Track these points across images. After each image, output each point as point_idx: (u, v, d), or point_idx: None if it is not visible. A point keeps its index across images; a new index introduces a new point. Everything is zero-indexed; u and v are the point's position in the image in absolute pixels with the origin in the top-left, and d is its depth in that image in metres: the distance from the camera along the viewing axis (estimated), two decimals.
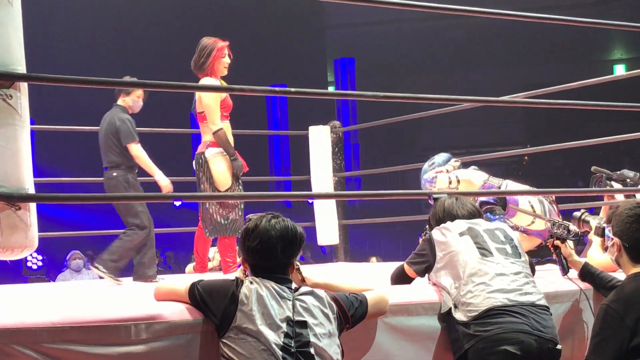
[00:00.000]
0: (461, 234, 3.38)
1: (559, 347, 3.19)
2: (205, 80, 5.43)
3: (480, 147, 16.66)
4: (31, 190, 2.82)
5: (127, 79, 5.53)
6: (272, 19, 16.21)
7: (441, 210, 3.60)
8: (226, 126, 5.50)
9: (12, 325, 2.62)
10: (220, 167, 5.42)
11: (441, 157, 5.30)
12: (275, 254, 2.85)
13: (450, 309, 3.24)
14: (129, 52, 15.39)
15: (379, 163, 16.69)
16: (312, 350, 2.72)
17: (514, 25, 15.26)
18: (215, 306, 2.77)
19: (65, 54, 14.42)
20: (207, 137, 5.50)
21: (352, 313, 2.95)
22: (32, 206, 2.82)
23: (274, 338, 2.68)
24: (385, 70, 18.46)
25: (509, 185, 4.94)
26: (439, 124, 16.52)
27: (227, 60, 5.57)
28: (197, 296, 2.82)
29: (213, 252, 6.97)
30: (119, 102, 5.75)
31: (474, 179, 5.02)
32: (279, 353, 2.67)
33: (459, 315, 3.20)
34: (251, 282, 2.79)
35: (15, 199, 2.73)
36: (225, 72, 5.56)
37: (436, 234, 3.45)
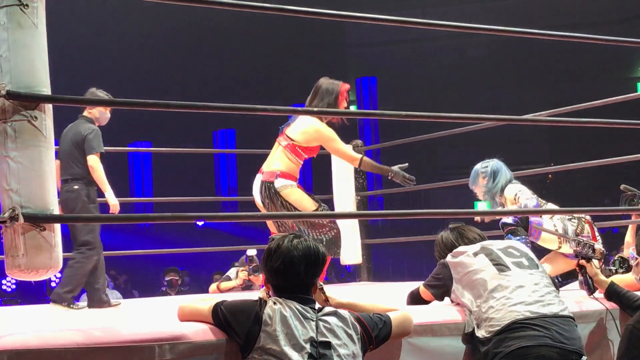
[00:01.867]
0: (475, 254, 3.36)
1: (584, 358, 3.13)
2: (313, 121, 5.05)
3: (505, 165, 16.59)
4: (56, 211, 2.83)
5: (92, 90, 5.44)
6: (293, 37, 16.28)
7: (443, 249, 3.57)
8: (295, 165, 5.11)
9: (37, 346, 2.62)
10: (296, 196, 5.01)
11: (503, 173, 5.17)
12: (298, 274, 2.84)
13: (474, 328, 3.21)
14: (146, 70, 15.48)
15: None
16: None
17: (536, 43, 15.24)
18: (239, 327, 2.76)
19: (93, 75, 14.55)
20: (276, 166, 5.06)
21: (375, 334, 2.92)
22: (57, 227, 2.84)
23: (297, 359, 2.67)
24: (407, 89, 18.47)
25: (549, 207, 4.90)
26: (462, 142, 16.49)
27: (345, 105, 5.22)
28: (221, 317, 2.81)
29: (235, 272, 6.98)
30: (85, 113, 5.58)
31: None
32: None
33: (482, 333, 3.17)
34: (274, 303, 2.78)
35: (40, 220, 2.74)
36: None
37: (450, 258, 3.43)
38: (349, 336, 2.81)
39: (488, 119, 5.67)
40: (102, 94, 5.41)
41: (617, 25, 17.31)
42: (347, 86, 5.22)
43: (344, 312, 2.89)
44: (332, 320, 2.81)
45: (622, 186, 4.79)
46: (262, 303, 2.78)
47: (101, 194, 5.59)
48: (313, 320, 2.76)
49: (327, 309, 2.86)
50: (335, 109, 5.08)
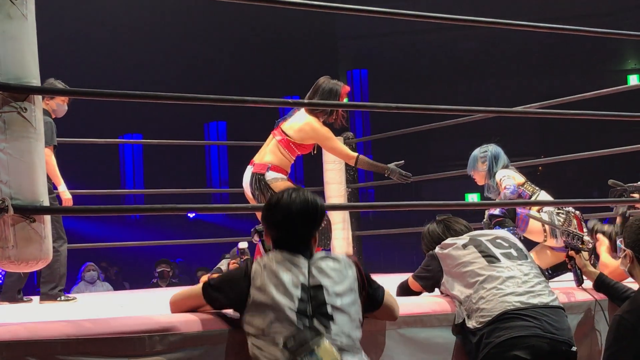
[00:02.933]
0: (465, 246, 3.37)
1: (574, 348, 3.15)
2: (310, 119, 5.05)
3: None
4: (45, 202, 2.84)
5: (51, 81, 5.35)
6: (284, 30, 16.26)
7: (430, 242, 3.58)
8: (287, 160, 5.11)
9: (26, 337, 2.62)
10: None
11: (503, 158, 5.23)
12: (296, 227, 2.86)
13: (464, 319, 3.23)
14: (136, 62, 15.44)
15: None
16: (329, 309, 2.72)
17: (526, 35, 15.26)
18: (231, 291, 2.80)
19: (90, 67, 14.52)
20: (268, 158, 5.06)
21: (369, 286, 2.95)
22: (47, 218, 2.84)
23: (288, 304, 2.69)
24: (398, 81, 18.45)
25: (541, 196, 4.94)
26: (453, 134, 16.49)
27: (343, 112, 5.27)
28: (212, 289, 2.84)
29: (226, 263, 6.97)
30: (42, 105, 5.55)
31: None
32: (295, 319, 2.67)
33: (472, 323, 3.18)
34: (261, 260, 2.81)
35: (29, 212, 2.75)
36: (341, 124, 5.26)
37: (438, 250, 3.44)
38: (344, 275, 2.82)
39: (479, 110, 5.71)
40: (60, 85, 5.34)
41: (606, 17, 17.33)
42: (347, 88, 5.24)
43: (339, 255, 2.93)
44: (325, 262, 2.83)
45: (611, 181, 4.78)
46: (248, 263, 2.82)
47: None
48: (305, 267, 2.78)
49: (321, 254, 2.89)
50: (331, 106, 5.09)
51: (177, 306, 2.94)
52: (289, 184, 4.96)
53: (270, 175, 5.00)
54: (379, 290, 3.00)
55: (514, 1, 16.47)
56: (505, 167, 5.21)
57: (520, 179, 5.09)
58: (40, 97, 2.87)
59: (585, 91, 6.09)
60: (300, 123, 5.04)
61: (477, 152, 5.30)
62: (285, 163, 5.05)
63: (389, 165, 5.14)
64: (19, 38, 2.79)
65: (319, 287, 2.75)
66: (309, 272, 2.77)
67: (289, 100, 4.79)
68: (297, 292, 2.72)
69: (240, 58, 16.55)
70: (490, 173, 5.20)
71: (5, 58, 2.78)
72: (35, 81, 2.85)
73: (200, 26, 15.97)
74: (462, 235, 3.50)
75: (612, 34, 4.82)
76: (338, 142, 5.15)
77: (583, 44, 17.15)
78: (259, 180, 5.02)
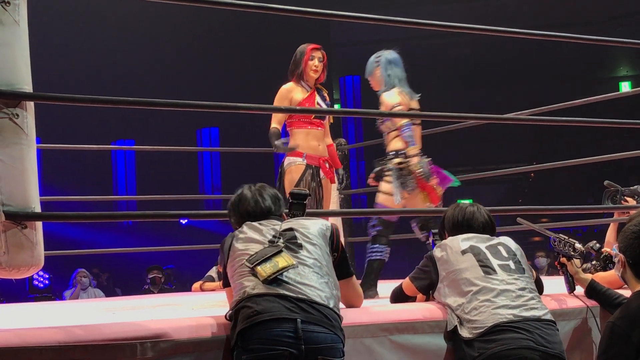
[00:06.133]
0: (463, 252, 3.36)
1: None
2: (284, 86, 5.28)
3: (486, 164, 16.64)
4: (37, 209, 2.83)
5: None
6: (277, 36, 16.26)
7: (462, 217, 3.57)
8: (306, 133, 5.21)
9: (18, 344, 2.62)
10: (290, 178, 5.14)
11: (399, 68, 5.38)
12: (260, 204, 3.17)
13: (456, 326, 3.23)
14: (129, 68, 15.42)
15: None
16: (299, 240, 2.98)
17: (519, 42, 15.29)
18: (225, 255, 3.05)
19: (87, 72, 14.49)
20: None
21: (342, 252, 3.15)
22: (39, 225, 2.83)
23: (262, 239, 2.98)
24: None
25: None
26: (445, 141, 16.49)
27: (314, 62, 5.31)
28: (225, 271, 3.07)
29: (215, 271, 6.97)
30: None
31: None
32: (267, 243, 2.96)
33: (464, 333, 3.18)
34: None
35: (21, 218, 2.74)
36: (314, 76, 5.31)
37: (438, 252, 3.43)
38: (315, 224, 3.10)
39: (470, 117, 5.71)
40: None
41: (599, 25, 17.39)
42: (313, 45, 5.36)
43: (313, 217, 3.22)
44: (300, 219, 3.13)
45: (606, 182, 4.81)
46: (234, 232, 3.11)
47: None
48: (278, 225, 3.08)
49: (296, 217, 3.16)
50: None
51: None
52: (293, 176, 5.11)
53: (286, 161, 5.19)
54: (350, 265, 3.22)
55: (508, 9, 16.52)
56: (399, 81, 5.29)
57: (404, 100, 5.19)
58: (32, 103, 2.86)
59: (577, 98, 6.10)
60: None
61: (372, 57, 5.44)
62: (295, 144, 5.15)
63: (275, 142, 5.13)
64: (11, 44, 2.79)
65: (290, 229, 3.03)
66: (281, 225, 3.07)
67: (282, 106, 4.79)
68: (270, 236, 3.00)
69: (233, 64, 16.54)
70: (385, 79, 5.32)
71: None
72: (28, 87, 2.84)
73: (192, 31, 15.98)
74: (483, 226, 3.51)
75: (605, 41, 4.84)
76: (277, 113, 5.19)
77: (576, 51, 17.18)
78: (281, 168, 5.24)
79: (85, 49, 15.18)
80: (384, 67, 5.35)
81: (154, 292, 9.68)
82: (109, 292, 11.52)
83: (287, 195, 4.57)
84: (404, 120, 5.07)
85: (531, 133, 18.52)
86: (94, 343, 2.68)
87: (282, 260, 2.87)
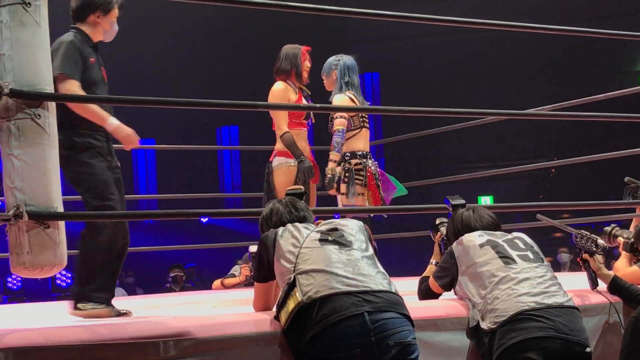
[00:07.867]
0: (481, 246, 3.35)
1: (588, 349, 3.11)
2: (273, 87, 5.26)
3: (507, 160, 16.57)
4: (60, 208, 2.85)
5: None
6: (295, 34, 16.28)
7: (459, 223, 3.57)
8: (296, 134, 5.23)
9: (42, 343, 2.64)
10: (281, 180, 5.15)
11: (354, 75, 5.53)
12: (294, 214, 3.19)
13: (478, 322, 3.21)
14: (149, 67, 15.47)
15: (405, 177, 16.62)
16: (347, 237, 3.04)
17: (537, 37, 15.21)
18: (270, 251, 3.06)
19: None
20: (275, 145, 5.26)
21: (373, 250, 3.22)
22: (61, 224, 2.85)
23: (307, 232, 3.04)
24: (410, 85, 18.43)
25: (362, 132, 5.48)
26: (465, 137, 16.46)
27: (307, 64, 5.37)
28: (265, 266, 3.09)
29: (239, 269, 6.99)
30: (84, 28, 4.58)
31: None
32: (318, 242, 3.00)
33: (486, 324, 3.16)
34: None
35: (44, 218, 2.76)
36: (306, 77, 5.37)
37: (456, 248, 3.42)
38: (352, 223, 3.16)
39: (490, 113, 5.70)
40: None
41: (617, 19, 17.27)
42: (306, 47, 5.42)
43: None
44: (333, 220, 3.20)
45: (627, 179, 4.79)
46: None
47: None
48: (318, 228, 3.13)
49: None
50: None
51: (259, 305, 3.23)
52: (284, 177, 5.13)
53: (275, 162, 5.20)
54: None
55: (524, 3, 16.45)
56: (351, 87, 5.43)
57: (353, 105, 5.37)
58: (54, 104, 2.88)
59: (597, 93, 6.07)
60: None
61: (332, 58, 5.58)
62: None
63: (302, 157, 5.15)
64: (32, 45, 2.81)
65: (335, 229, 3.07)
66: (323, 225, 3.12)
67: (302, 104, 4.79)
68: (317, 233, 3.05)
69: (252, 62, 16.57)
70: (339, 82, 5.47)
71: (18, 65, 2.80)
72: (49, 88, 2.86)
73: (212, 29, 16.00)
74: (488, 225, 3.50)
75: (623, 35, 4.81)
76: (281, 112, 5.20)
77: (594, 46, 17.08)
78: (267, 168, 5.25)
79: (107, 49, 15.23)
80: (340, 71, 5.50)
81: (175, 291, 9.71)
82: (131, 291, 11.57)
83: (278, 196, 4.64)
84: (340, 127, 5.29)
85: (551, 129, 18.43)
86: (118, 342, 2.69)
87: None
